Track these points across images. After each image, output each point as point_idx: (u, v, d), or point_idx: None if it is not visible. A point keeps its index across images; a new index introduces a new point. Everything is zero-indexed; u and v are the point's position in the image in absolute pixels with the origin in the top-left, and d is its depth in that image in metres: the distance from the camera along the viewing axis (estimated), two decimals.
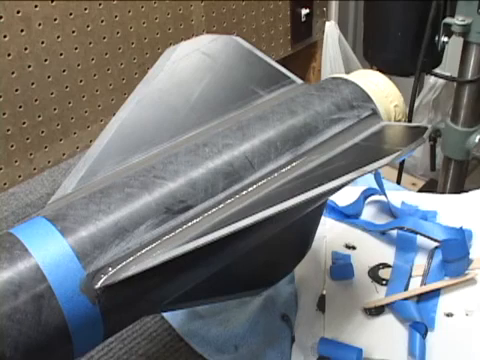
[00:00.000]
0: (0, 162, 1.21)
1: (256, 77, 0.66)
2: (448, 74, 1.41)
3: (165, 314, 0.77)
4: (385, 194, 0.88)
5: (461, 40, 1.29)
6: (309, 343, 0.71)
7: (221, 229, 0.47)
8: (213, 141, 0.57)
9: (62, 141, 1.31)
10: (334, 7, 1.86)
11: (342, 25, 1.90)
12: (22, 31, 1.16)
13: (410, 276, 0.78)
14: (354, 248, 0.84)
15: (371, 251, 0.83)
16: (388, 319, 0.73)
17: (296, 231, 0.67)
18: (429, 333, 0.70)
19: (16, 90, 1.19)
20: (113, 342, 0.73)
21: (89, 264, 0.46)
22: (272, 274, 0.69)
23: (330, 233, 0.86)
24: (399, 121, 0.68)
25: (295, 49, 1.83)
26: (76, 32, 1.26)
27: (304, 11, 1.77)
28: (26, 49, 1.18)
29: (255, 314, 0.75)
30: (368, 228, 0.86)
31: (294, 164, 0.58)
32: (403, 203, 0.90)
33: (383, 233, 0.85)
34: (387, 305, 0.74)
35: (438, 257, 0.79)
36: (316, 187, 0.50)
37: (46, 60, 1.22)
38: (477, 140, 1.35)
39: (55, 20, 1.21)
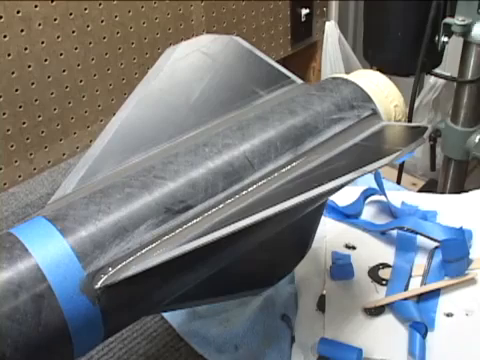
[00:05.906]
0: (0, 162, 1.21)
1: (256, 77, 0.66)
2: (448, 74, 1.41)
3: (165, 314, 0.77)
4: (385, 194, 0.88)
5: (461, 40, 1.29)
6: (309, 343, 0.71)
7: (221, 229, 0.47)
8: (213, 141, 0.57)
9: (62, 141, 1.31)
10: (334, 7, 1.86)
11: (342, 25, 1.90)
12: (22, 31, 1.16)
13: (410, 276, 0.78)
14: (354, 248, 0.84)
15: (371, 251, 0.83)
16: (388, 319, 0.73)
17: (296, 231, 0.67)
18: (429, 333, 0.70)
19: (16, 90, 1.19)
20: (113, 342, 0.73)
21: (89, 264, 0.46)
22: (272, 274, 0.69)
23: (330, 233, 0.86)
24: (399, 121, 0.68)
25: (295, 49, 1.83)
26: (76, 32, 1.26)
27: (304, 11, 1.78)
28: (26, 49, 1.18)
29: (255, 314, 0.74)
30: (368, 228, 0.86)
31: (294, 164, 0.58)
32: (403, 203, 0.90)
33: (383, 233, 0.85)
34: (387, 305, 0.74)
35: (438, 257, 0.79)
36: (316, 187, 0.50)
37: (46, 60, 1.22)
38: (477, 140, 1.35)
39: (55, 20, 1.21)
